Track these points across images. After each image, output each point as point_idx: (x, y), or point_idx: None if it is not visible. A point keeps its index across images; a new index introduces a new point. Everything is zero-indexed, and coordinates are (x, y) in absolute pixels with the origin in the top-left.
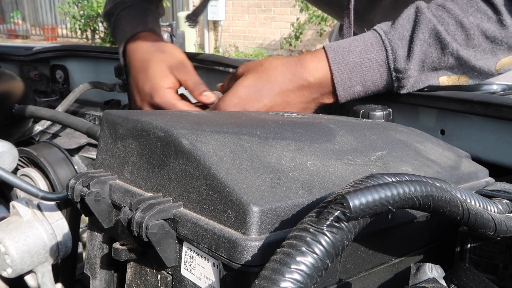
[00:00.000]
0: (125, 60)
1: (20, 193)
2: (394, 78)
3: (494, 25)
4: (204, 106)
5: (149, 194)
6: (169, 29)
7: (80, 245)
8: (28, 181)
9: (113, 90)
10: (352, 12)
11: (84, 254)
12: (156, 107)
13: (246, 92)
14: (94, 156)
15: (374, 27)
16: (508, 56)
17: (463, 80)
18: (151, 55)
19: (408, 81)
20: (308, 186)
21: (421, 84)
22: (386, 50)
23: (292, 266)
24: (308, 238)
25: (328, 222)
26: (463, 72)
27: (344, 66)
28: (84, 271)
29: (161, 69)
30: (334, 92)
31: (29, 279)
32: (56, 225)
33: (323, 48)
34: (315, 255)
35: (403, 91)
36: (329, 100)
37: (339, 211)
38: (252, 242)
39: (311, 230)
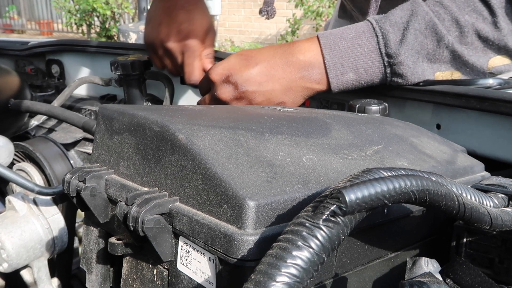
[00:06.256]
0: None
1: (16, 188)
2: (386, 64)
3: (488, 26)
4: None
5: (145, 189)
6: None
7: (76, 239)
8: (24, 176)
9: (108, 84)
10: None
11: (80, 249)
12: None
13: (235, 59)
14: (90, 151)
15: (367, 17)
16: (498, 55)
17: (456, 76)
18: (196, 3)
19: (400, 68)
20: (304, 180)
21: (417, 76)
22: (377, 36)
23: (288, 261)
24: (304, 233)
25: (324, 217)
26: (457, 67)
27: (335, 51)
28: (80, 265)
29: (203, 27)
30: (326, 79)
31: (25, 273)
32: (52, 220)
33: (317, 36)
34: (311, 250)
35: (399, 81)
36: (320, 86)
37: (335, 206)
38: (248, 236)
39: (307, 224)
